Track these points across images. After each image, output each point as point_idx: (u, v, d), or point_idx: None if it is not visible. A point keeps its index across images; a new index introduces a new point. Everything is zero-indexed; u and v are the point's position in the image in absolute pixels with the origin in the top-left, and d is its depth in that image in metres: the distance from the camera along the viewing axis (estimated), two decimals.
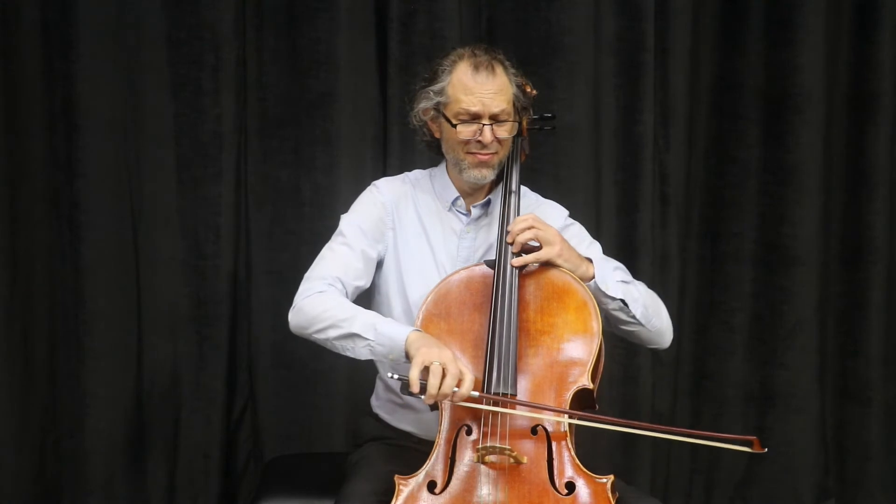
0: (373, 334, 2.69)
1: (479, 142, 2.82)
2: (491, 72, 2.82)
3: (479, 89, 2.80)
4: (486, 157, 2.84)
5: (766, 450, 2.64)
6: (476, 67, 2.82)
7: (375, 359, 2.75)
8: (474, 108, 2.81)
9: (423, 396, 2.57)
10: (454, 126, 2.82)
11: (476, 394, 2.59)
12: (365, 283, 2.91)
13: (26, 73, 3.83)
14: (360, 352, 2.72)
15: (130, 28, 3.86)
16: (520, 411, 2.62)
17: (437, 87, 2.85)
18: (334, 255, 2.89)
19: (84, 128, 3.84)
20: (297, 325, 2.81)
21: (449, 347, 2.65)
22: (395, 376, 2.60)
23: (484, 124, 2.81)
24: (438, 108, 2.86)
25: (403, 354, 2.65)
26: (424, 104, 2.88)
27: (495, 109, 2.81)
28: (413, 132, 2.98)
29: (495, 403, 2.62)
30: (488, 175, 2.87)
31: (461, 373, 2.57)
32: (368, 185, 3.04)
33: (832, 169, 4.12)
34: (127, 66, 3.88)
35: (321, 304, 2.77)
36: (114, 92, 3.87)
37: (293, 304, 2.82)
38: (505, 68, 2.86)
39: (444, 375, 2.55)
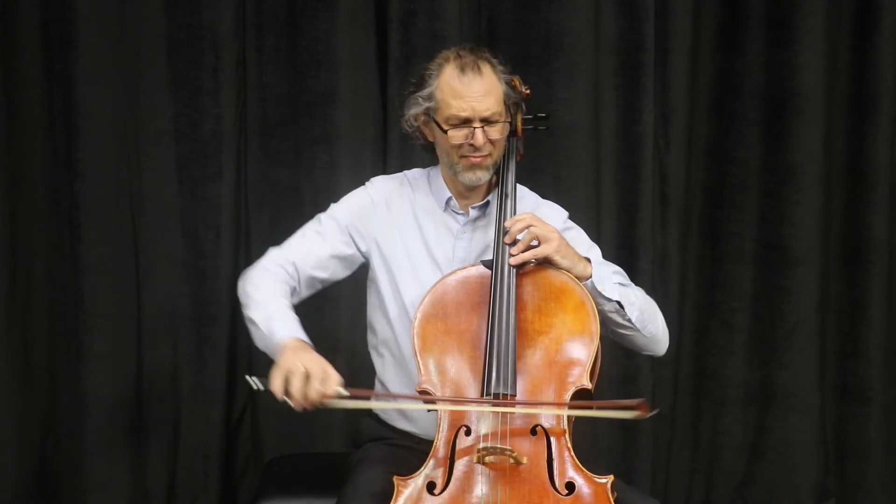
0: (264, 326, 2.74)
1: (471, 145, 2.81)
2: (477, 72, 2.79)
3: (467, 92, 2.78)
4: (480, 159, 2.83)
5: (657, 410, 2.62)
6: (462, 69, 2.79)
7: (263, 350, 2.77)
8: (464, 113, 2.79)
9: (291, 403, 2.57)
10: (445, 132, 2.82)
11: (344, 391, 2.58)
12: (326, 275, 2.94)
13: (26, 73, 3.83)
14: (255, 338, 2.79)
15: (130, 28, 3.87)
16: (414, 406, 2.66)
17: (425, 92, 2.83)
18: (304, 240, 2.94)
19: (84, 128, 3.84)
20: (238, 290, 2.90)
21: (447, 348, 2.66)
22: (255, 382, 2.59)
23: (475, 127, 2.80)
24: (429, 113, 2.85)
25: (277, 356, 2.67)
26: (415, 110, 2.86)
27: (485, 112, 2.79)
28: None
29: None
30: (483, 176, 2.87)
31: (324, 373, 2.57)
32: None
33: (832, 169, 4.12)
34: (127, 66, 3.88)
35: (255, 281, 2.86)
36: (114, 92, 3.87)
37: (245, 270, 2.90)
38: (492, 66, 2.83)
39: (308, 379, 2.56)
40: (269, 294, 2.82)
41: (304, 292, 2.95)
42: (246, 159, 3.98)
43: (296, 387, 2.55)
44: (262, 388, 2.58)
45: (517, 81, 2.91)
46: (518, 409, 2.62)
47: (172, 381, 3.98)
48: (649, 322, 2.86)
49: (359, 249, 2.95)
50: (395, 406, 2.64)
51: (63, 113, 3.85)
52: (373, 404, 2.65)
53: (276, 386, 2.57)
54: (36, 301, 3.90)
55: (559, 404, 2.65)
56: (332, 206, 2.99)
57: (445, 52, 2.86)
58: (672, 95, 4.07)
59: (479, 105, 2.79)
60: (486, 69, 2.81)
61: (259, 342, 2.79)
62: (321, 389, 2.57)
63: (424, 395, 2.67)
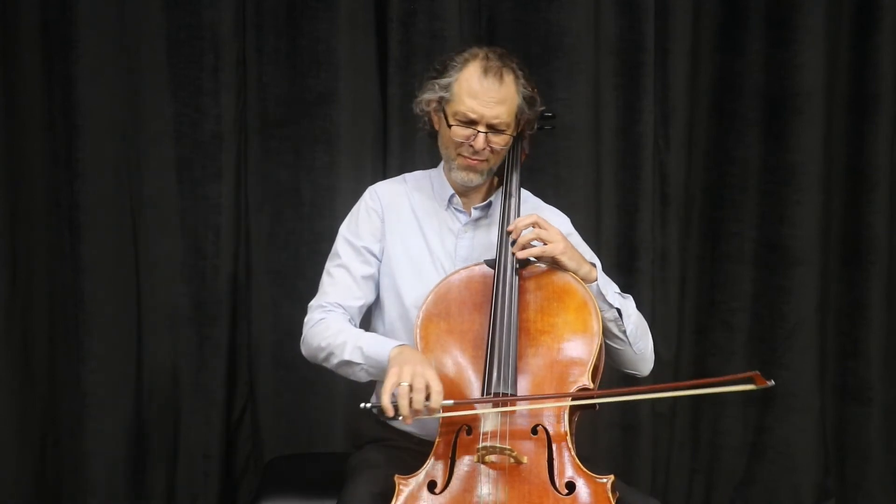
0: (361, 357, 2.76)
1: (470, 146, 2.82)
2: (499, 79, 2.80)
3: (482, 94, 2.79)
4: (476, 162, 2.84)
5: (772, 382, 2.55)
6: (485, 71, 2.80)
7: (376, 380, 2.78)
8: (473, 114, 2.80)
9: (401, 419, 2.58)
10: (450, 126, 2.82)
11: (451, 402, 2.59)
12: (365, 301, 2.94)
13: (26, 73, 3.83)
14: (360, 375, 2.80)
15: (130, 28, 3.87)
16: (519, 406, 2.62)
17: (444, 81, 2.84)
18: (333, 281, 2.94)
19: (84, 128, 3.84)
20: (307, 355, 2.91)
21: (449, 347, 2.66)
22: (369, 405, 2.62)
23: (479, 131, 2.81)
24: (441, 103, 2.85)
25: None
26: (429, 95, 2.87)
27: (493, 119, 2.80)
28: (413, 130, 2.98)
29: (494, 405, 2.62)
30: (475, 179, 2.87)
31: (427, 384, 2.57)
32: (368, 185, 3.06)
33: (832, 169, 4.12)
34: (127, 66, 3.88)
35: (320, 333, 2.85)
36: (114, 92, 3.87)
37: (302, 336, 2.89)
38: (515, 78, 2.83)
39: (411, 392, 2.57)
40: (338, 333, 2.82)
41: (357, 322, 2.95)
42: (246, 159, 3.98)
43: (403, 405, 2.56)
44: (369, 405, 2.62)
45: (532, 87, 2.89)
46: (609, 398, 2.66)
47: (172, 381, 3.97)
48: (640, 339, 2.87)
49: (374, 265, 2.96)
50: (501, 410, 2.63)
51: (63, 113, 3.85)
52: (477, 411, 2.65)
53: (385, 404, 2.58)
54: (36, 301, 3.90)
55: (671, 386, 2.71)
56: (340, 229, 2.99)
57: (476, 48, 2.86)
58: (672, 95, 4.07)
59: (489, 111, 2.79)
60: (509, 79, 2.81)
61: (364, 376, 2.79)
62: (428, 404, 2.58)
63: (531, 397, 2.65)
